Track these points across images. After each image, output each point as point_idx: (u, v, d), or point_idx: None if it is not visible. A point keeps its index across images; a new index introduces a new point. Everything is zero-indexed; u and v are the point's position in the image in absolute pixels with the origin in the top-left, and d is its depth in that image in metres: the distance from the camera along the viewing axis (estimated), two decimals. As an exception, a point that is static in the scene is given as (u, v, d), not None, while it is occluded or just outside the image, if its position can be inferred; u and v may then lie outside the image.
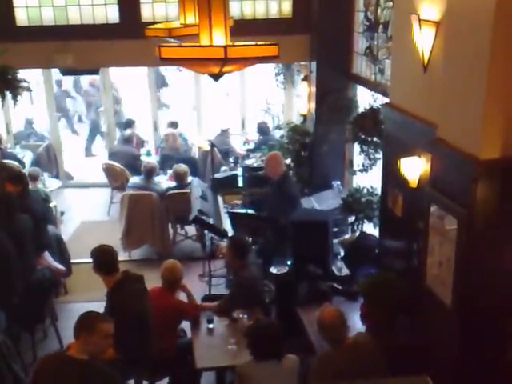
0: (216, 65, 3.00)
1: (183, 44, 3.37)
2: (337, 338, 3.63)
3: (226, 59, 2.92)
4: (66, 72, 7.94)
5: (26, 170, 7.71)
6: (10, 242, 5.11)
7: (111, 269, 4.22)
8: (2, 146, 7.90)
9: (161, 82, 12.98)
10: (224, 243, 5.52)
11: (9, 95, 6.36)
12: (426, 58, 3.73)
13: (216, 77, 3.20)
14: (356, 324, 4.35)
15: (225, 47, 2.91)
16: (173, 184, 7.48)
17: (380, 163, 5.21)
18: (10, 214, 5.35)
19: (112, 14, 7.35)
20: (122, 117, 11.12)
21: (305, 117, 7.76)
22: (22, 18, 7.35)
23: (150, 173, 7.38)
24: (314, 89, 7.12)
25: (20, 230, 5.34)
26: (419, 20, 3.69)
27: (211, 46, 3.02)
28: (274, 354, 3.69)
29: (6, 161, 7.14)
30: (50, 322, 5.50)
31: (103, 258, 4.24)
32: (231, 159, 8.72)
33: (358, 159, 6.06)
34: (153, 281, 4.62)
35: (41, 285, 5.33)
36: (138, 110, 11.54)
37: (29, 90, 6.52)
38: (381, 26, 5.73)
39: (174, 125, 9.48)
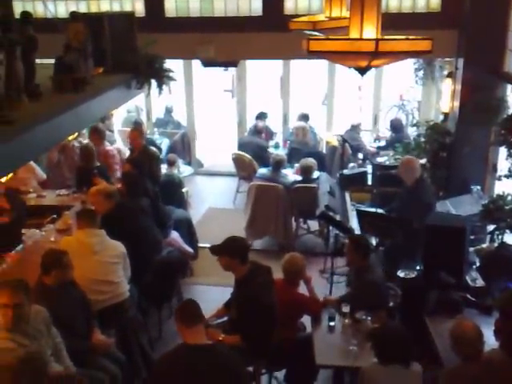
0: (365, 59, 2.92)
1: (332, 37, 3.32)
2: (472, 354, 3.43)
3: (376, 53, 2.82)
4: (206, 64, 8.17)
5: (164, 156, 8.15)
6: (148, 221, 5.41)
7: (247, 258, 4.24)
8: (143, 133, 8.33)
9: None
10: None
11: (154, 84, 6.46)
12: None
13: (362, 71, 3.12)
14: (489, 340, 4.04)
15: (376, 40, 2.81)
16: (299, 178, 7.48)
17: (530, 170, 4.80)
18: (155, 199, 5.67)
19: (256, 6, 7.42)
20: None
21: (446, 115, 7.35)
22: (170, 9, 7.66)
23: (278, 165, 7.44)
24: (458, 86, 6.75)
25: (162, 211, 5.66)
26: None
27: (361, 39, 2.94)
28: (400, 359, 3.57)
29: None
30: (176, 301, 5.64)
31: (244, 246, 4.30)
32: (360, 156, 8.51)
33: (504, 164, 5.64)
34: (274, 272, 4.57)
35: (171, 265, 5.53)
36: (269, 101, 11.69)
37: (173, 79, 6.62)
38: (542, 23, 5.27)
39: (304, 117, 9.24)
